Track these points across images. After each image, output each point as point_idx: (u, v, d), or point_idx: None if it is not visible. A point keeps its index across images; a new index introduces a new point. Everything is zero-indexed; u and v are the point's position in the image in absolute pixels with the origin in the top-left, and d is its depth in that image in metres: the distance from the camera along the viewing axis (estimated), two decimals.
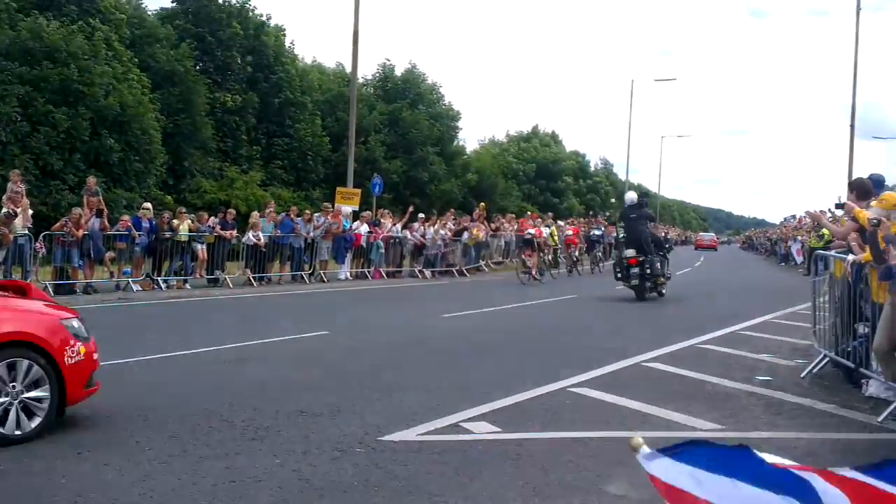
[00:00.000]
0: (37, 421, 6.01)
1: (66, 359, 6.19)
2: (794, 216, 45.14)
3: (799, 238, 35.30)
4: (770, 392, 8.11)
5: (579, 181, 70.13)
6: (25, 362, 5.99)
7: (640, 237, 18.70)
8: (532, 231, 25.74)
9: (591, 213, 51.10)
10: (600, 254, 33.76)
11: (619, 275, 19.13)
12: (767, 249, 51.02)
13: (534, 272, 23.92)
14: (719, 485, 1.82)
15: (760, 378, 8.86)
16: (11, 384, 5.90)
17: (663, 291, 19.10)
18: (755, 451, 1.91)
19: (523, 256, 24.46)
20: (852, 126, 34.40)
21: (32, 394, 6.00)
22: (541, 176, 62.57)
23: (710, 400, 7.71)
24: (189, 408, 7.07)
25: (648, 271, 18.43)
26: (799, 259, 35.23)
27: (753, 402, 7.67)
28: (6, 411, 5.84)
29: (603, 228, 36.63)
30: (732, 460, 1.85)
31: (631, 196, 20.59)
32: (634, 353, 10.21)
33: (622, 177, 77.12)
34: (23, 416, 5.93)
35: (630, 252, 18.61)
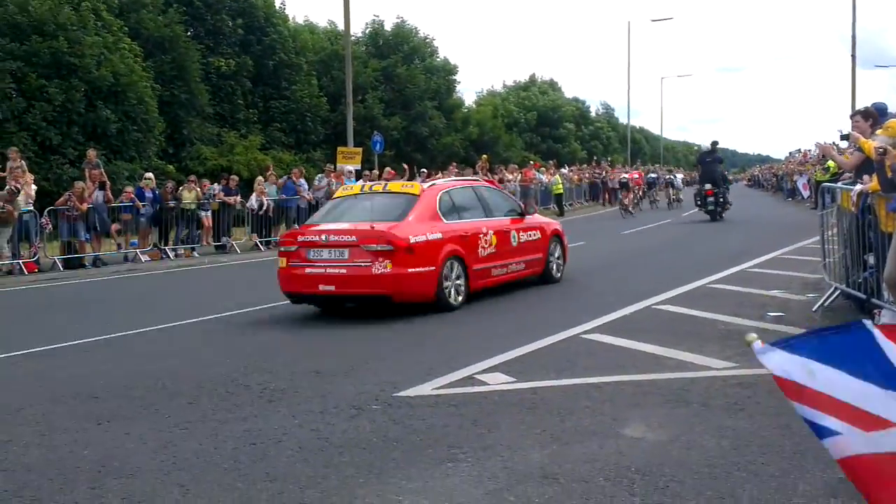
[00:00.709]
0: None
1: None
2: (799, 150, 44.81)
3: (805, 172, 35.07)
4: (783, 328, 8.11)
5: (581, 128, 69.63)
6: None
7: (714, 175, 25.86)
8: (626, 176, 35.09)
9: (594, 158, 50.96)
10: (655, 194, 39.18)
11: (699, 203, 26.20)
12: (773, 185, 50.73)
13: (630, 208, 31.79)
14: (830, 377, 1.85)
15: (772, 314, 8.87)
16: None
17: (724, 216, 25.55)
18: (875, 333, 1.90)
19: (621, 197, 33.16)
20: (853, 56, 34.04)
21: None
22: (542, 124, 62.15)
23: (723, 339, 7.72)
24: (206, 374, 7.12)
25: (721, 199, 25.60)
26: (805, 193, 35.02)
27: (766, 339, 7.66)
28: None
29: (658, 172, 44.10)
30: (847, 349, 1.86)
31: (707, 145, 30.29)
32: (645, 297, 10.21)
33: (623, 121, 76.61)
34: None
35: (707, 186, 25.72)
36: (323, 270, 9.73)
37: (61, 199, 17.55)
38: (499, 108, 59.44)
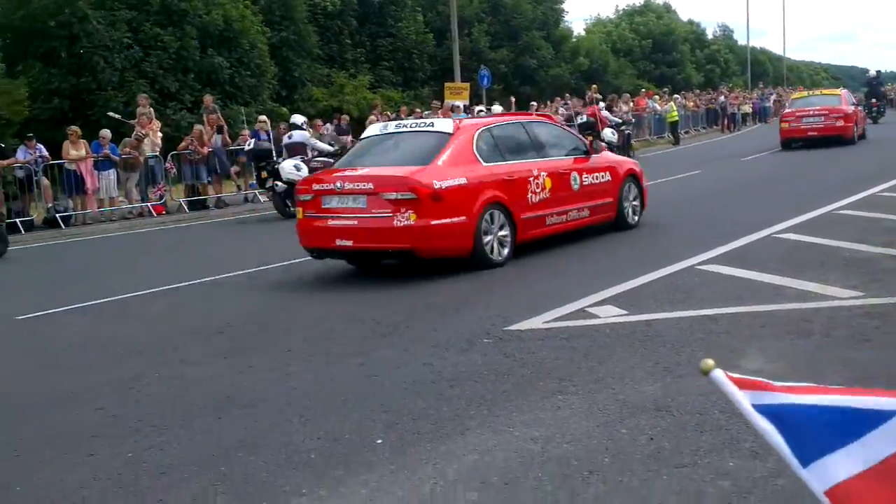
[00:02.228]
0: None
1: None
2: None
3: None
4: None
5: (696, 52, 66.73)
6: None
7: (878, 92, 35.24)
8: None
9: (713, 84, 49.01)
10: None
11: (867, 112, 30.65)
12: None
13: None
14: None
15: None
16: None
17: (879, 121, 32.63)
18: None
19: None
20: None
21: None
22: (656, 50, 59.89)
23: (847, 267, 7.36)
24: (322, 309, 7.35)
25: (882, 108, 34.52)
26: None
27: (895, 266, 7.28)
28: None
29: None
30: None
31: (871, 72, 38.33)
32: (765, 225, 9.81)
33: (743, 42, 72.94)
34: None
35: (874, 100, 33.97)
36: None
37: (182, 143, 18.24)
38: (611, 35, 57.59)
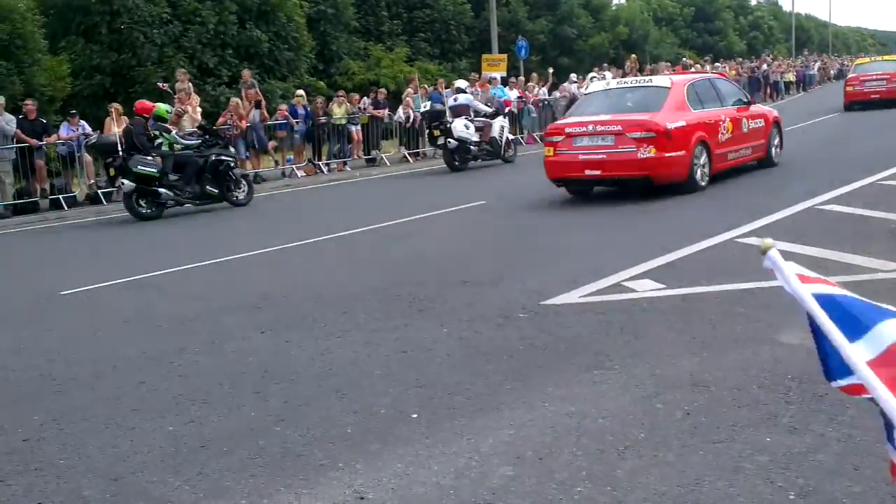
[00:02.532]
0: None
1: None
2: None
3: None
4: None
5: (739, 19, 65.32)
6: None
7: None
8: None
9: (756, 52, 47.98)
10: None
11: None
12: None
13: None
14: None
15: None
16: None
17: None
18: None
19: None
20: None
21: None
22: (698, 18, 58.76)
23: (893, 239, 7.20)
24: (358, 284, 7.38)
25: None
26: None
27: None
28: None
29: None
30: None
31: None
32: (808, 197, 9.64)
33: (787, 8, 71.24)
34: None
35: None
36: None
37: (221, 118, 18.36)
38: (651, 3, 56.60)
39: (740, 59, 44.03)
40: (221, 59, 26.11)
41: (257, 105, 18.76)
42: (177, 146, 13.80)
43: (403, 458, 3.73)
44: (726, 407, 3.96)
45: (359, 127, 20.28)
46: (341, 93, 21.46)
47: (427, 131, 18.71)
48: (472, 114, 17.90)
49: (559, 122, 12.97)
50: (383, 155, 20.82)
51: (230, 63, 26.19)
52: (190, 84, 18.99)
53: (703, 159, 11.26)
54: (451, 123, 17.17)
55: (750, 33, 65.40)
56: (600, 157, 10.88)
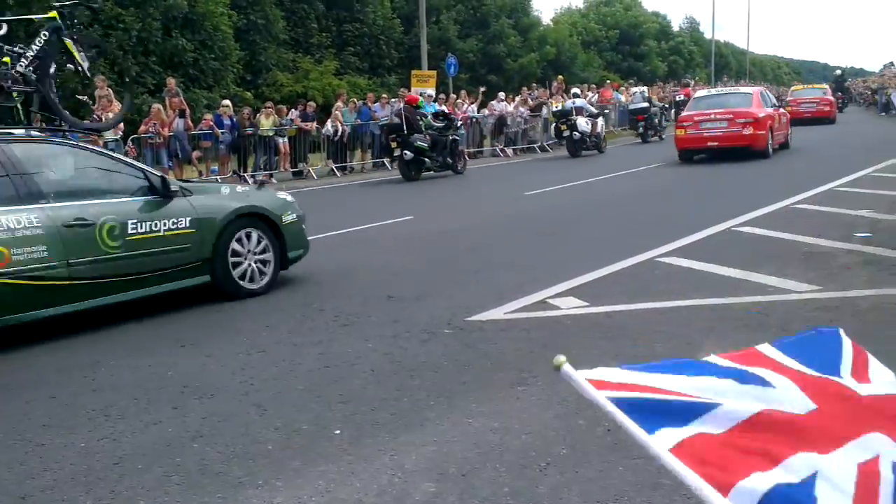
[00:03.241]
0: None
1: None
2: (892, 63, 42.54)
3: None
4: (871, 249, 7.81)
5: (661, 43, 67.21)
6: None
7: (841, 87, 41.57)
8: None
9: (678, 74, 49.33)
10: None
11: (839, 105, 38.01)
12: (867, 99, 48.25)
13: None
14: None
15: (859, 235, 8.52)
16: None
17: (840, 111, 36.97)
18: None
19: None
20: None
21: None
22: (623, 42, 60.23)
23: (806, 261, 7.47)
24: (282, 299, 7.28)
25: (842, 103, 39.36)
26: None
27: (852, 261, 7.40)
28: None
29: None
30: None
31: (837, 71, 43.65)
32: (725, 219, 9.93)
33: (708, 35, 73.56)
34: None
35: (839, 94, 39.30)
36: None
37: (143, 126, 17.95)
38: (577, 26, 57.77)
39: (662, 84, 45.20)
40: (145, 66, 25.56)
41: (181, 114, 18.42)
42: (430, 130, 18.60)
43: (325, 474, 3.68)
44: None
45: (286, 139, 20.09)
46: (269, 104, 21.25)
47: (554, 125, 24.26)
48: (583, 114, 23.41)
49: (687, 113, 19.64)
50: (310, 168, 20.66)
51: (154, 71, 25.67)
52: (110, 91, 18.51)
53: (770, 138, 18.58)
54: (574, 120, 22.71)
55: (670, 57, 67.36)
56: (719, 134, 18.24)
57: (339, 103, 22.14)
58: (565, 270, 7.57)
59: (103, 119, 16.67)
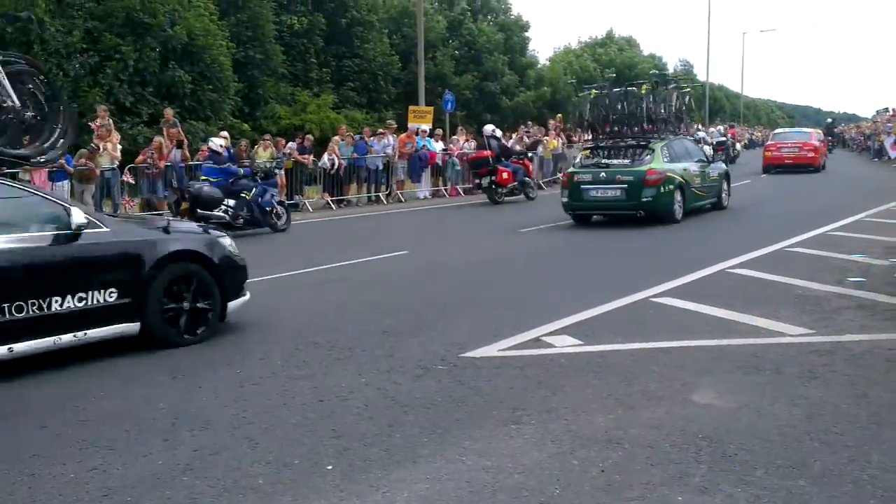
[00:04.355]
0: None
1: None
2: (887, 109, 43.01)
3: (892, 132, 33.59)
4: (863, 293, 7.84)
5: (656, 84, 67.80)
6: None
7: (830, 133, 44.52)
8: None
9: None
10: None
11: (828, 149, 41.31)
12: (860, 145, 48.70)
13: None
14: None
15: (853, 279, 8.56)
16: None
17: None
18: None
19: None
20: None
21: None
22: (618, 82, 60.81)
23: (799, 304, 7.49)
24: (276, 331, 7.26)
25: (830, 148, 43.93)
26: (893, 154, 33.63)
27: (845, 305, 7.43)
28: None
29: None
30: None
31: (828, 119, 49.23)
32: (719, 261, 9.97)
33: (703, 78, 74.35)
34: None
35: (829, 139, 44.37)
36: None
37: (140, 156, 17.99)
38: (573, 65, 58.37)
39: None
40: (141, 97, 25.66)
41: (179, 145, 18.47)
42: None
43: None
44: (640, 464, 4.01)
45: (283, 171, 20.13)
46: (267, 136, 21.34)
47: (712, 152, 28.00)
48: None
49: (771, 142, 30.34)
50: (306, 200, 20.70)
51: (150, 101, 25.76)
52: (110, 121, 18.62)
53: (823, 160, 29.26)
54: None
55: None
56: (793, 154, 29.14)
57: (337, 137, 22.26)
58: (560, 308, 7.58)
59: (100, 148, 16.76)
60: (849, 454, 4.03)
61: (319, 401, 5.21)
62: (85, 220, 6.23)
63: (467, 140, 25.77)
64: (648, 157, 14.78)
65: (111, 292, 6.35)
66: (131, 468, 4.22)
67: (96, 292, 6.26)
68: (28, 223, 6.22)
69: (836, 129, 54.41)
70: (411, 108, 27.01)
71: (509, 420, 4.71)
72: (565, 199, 15.23)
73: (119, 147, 17.99)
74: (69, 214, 6.18)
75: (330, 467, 4.12)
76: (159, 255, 6.61)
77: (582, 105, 17.72)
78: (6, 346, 5.85)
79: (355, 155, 21.64)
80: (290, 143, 21.46)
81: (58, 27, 23.92)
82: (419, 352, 6.29)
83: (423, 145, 23.23)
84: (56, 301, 6.06)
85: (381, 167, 22.08)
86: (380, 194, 22.02)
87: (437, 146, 23.96)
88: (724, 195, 16.97)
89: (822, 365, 5.57)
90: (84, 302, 6.20)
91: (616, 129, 16.34)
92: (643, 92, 16.80)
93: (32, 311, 5.96)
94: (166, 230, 7.06)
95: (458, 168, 24.17)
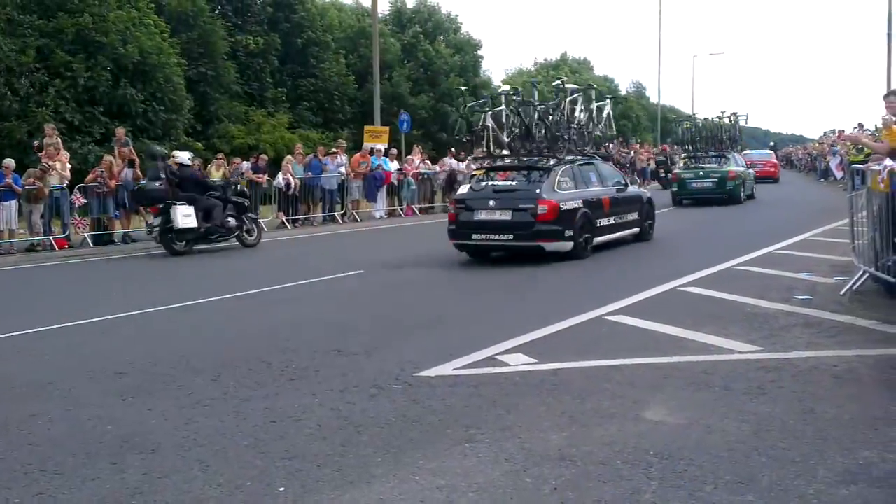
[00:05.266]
0: None
1: None
2: (833, 130, 44.12)
3: (838, 153, 34.46)
4: (810, 311, 8.01)
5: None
6: None
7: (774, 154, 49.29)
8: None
9: (620, 138, 50.39)
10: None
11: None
12: (806, 165, 49.89)
13: None
14: None
15: (799, 297, 8.75)
16: None
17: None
18: None
19: None
20: (889, 34, 33.24)
21: None
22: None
23: (748, 321, 7.63)
24: (229, 351, 7.18)
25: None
26: (839, 174, 34.47)
27: (793, 322, 7.58)
28: None
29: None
30: None
31: (771, 143, 53.76)
32: (670, 279, 10.12)
33: (654, 100, 75.66)
34: None
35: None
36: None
37: (91, 175, 17.72)
38: (527, 87, 58.91)
39: (608, 145, 46.07)
40: (91, 116, 25.29)
41: (130, 164, 18.24)
42: None
43: None
44: (592, 482, 4.04)
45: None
46: (221, 155, 21.20)
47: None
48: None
49: (745, 159, 30.18)
50: (261, 220, 20.54)
51: (101, 121, 25.41)
52: (59, 139, 18.32)
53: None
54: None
55: (621, 122, 68.94)
56: (759, 170, 33.95)
57: (290, 156, 22.17)
58: (514, 327, 7.61)
59: (49, 167, 16.48)
60: (795, 469, 4.10)
61: (272, 422, 5.16)
62: (626, 182, 14.74)
63: (423, 160, 25.83)
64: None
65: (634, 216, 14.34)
66: (78, 492, 4.13)
67: (629, 214, 14.25)
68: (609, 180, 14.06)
69: (778, 152, 57.17)
70: (367, 127, 27.03)
71: (463, 439, 4.71)
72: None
73: (68, 166, 17.72)
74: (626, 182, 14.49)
75: (282, 489, 4.08)
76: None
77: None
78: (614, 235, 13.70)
79: (309, 174, 21.57)
80: (244, 163, 21.32)
81: (11, 46, 23.51)
82: (373, 371, 6.27)
83: (379, 164, 23.23)
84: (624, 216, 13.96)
85: (336, 187, 22.03)
86: (335, 214, 21.96)
87: (393, 166, 23.97)
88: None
89: (770, 381, 5.68)
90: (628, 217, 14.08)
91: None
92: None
93: (617, 220, 13.94)
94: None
95: (414, 188, 24.20)
